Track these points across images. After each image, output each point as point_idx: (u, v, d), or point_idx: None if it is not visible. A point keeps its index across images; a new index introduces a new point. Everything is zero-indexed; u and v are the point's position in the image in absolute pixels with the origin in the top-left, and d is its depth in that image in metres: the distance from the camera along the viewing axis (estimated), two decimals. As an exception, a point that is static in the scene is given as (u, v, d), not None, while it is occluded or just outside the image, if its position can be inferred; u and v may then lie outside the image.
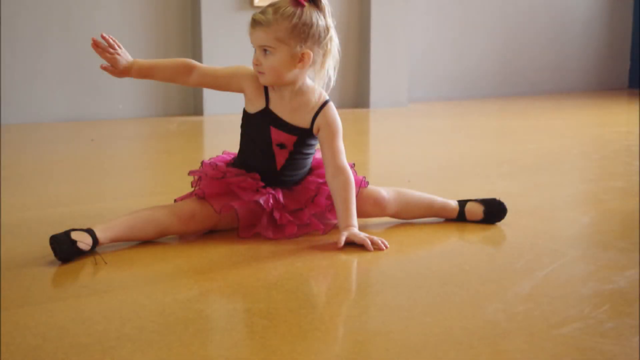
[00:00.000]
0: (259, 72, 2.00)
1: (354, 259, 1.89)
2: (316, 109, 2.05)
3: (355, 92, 5.93)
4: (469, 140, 4.29)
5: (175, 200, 2.09)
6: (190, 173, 2.13)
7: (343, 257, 1.90)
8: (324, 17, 1.99)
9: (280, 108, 2.05)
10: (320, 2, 1.99)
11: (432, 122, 5.22)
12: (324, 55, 2.00)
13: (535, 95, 7.23)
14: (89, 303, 1.56)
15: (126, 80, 4.98)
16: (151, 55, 5.03)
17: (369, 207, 2.14)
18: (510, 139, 4.33)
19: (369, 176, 2.48)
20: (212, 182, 2.07)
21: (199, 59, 5.00)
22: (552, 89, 7.50)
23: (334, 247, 1.94)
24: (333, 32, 2.01)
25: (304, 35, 1.96)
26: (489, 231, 2.15)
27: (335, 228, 2.05)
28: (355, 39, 5.85)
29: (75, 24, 4.86)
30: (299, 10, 1.95)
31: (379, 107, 5.91)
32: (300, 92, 2.05)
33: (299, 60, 1.98)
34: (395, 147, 4.02)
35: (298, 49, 1.96)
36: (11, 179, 2.96)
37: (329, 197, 2.07)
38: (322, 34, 1.98)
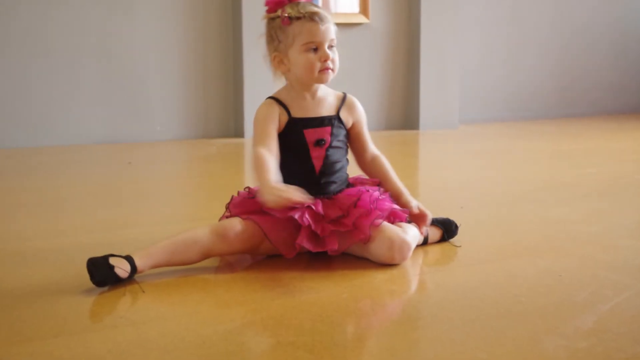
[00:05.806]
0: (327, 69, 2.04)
1: (402, 290, 1.82)
2: (339, 99, 2.11)
3: (404, 113, 5.73)
4: (523, 164, 4.15)
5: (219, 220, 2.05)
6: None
7: (390, 287, 1.82)
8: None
9: (304, 110, 2.07)
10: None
11: (483, 145, 5.06)
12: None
13: (594, 116, 6.99)
14: (126, 334, 1.50)
15: (164, 101, 4.98)
16: (188, 74, 5.03)
17: (385, 250, 1.99)
18: (567, 162, 4.17)
19: (420, 202, 2.31)
20: (243, 201, 2.06)
21: (240, 76, 5.01)
22: (612, 110, 7.26)
23: (380, 279, 1.86)
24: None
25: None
26: (546, 261, 2.05)
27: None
28: (404, 61, 5.76)
29: (112, 42, 4.84)
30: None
31: (429, 129, 5.72)
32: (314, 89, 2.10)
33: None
34: (445, 171, 3.91)
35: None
36: (46, 203, 2.93)
37: (372, 201, 2.00)
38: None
